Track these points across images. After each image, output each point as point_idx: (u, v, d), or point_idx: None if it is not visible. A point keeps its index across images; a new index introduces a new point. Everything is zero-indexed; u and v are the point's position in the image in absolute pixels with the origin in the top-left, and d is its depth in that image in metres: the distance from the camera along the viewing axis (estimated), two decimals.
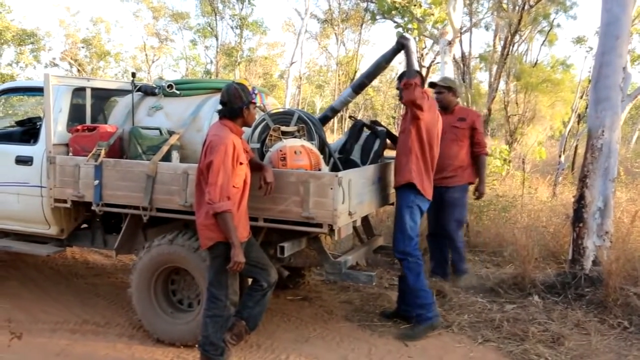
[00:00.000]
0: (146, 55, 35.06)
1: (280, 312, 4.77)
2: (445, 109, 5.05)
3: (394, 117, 36.02)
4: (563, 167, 11.23)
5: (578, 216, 4.93)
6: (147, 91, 4.68)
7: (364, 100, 39.21)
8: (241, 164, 3.40)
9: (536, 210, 7.37)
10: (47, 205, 4.44)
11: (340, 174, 3.67)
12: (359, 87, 4.80)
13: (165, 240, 4.06)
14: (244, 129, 3.75)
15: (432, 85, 5.14)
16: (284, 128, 4.21)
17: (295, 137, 4.22)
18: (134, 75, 4.50)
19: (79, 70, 29.45)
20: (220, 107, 3.52)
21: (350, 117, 5.28)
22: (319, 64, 37.54)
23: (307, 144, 4.09)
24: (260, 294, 3.65)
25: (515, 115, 12.01)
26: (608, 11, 4.86)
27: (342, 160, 4.55)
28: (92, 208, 4.25)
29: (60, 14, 52.21)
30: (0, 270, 5.85)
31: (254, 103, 3.49)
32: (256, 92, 3.48)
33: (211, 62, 32.15)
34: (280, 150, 3.91)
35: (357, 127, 4.74)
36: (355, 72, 27.13)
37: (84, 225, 4.87)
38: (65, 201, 4.34)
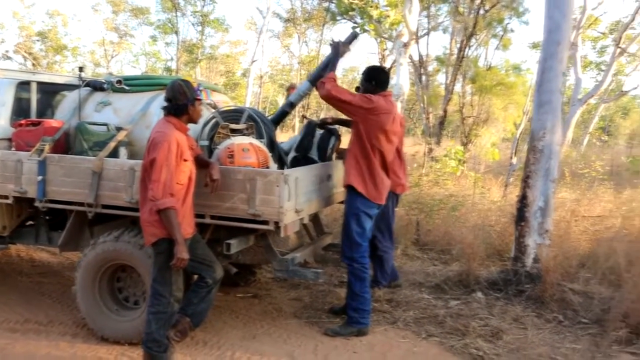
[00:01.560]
0: (105, 50, 34.34)
1: (229, 309, 4.78)
2: None
3: None
4: (515, 168, 11.53)
5: (520, 215, 5.10)
6: (96, 86, 4.62)
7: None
8: (185, 160, 3.40)
9: (486, 210, 7.57)
10: None
11: (286, 171, 3.71)
12: (316, 79, 4.80)
13: (111, 237, 4.03)
14: (193, 125, 3.77)
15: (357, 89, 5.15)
16: (233, 126, 4.22)
17: (244, 135, 4.24)
18: (81, 69, 4.43)
19: (33, 64, 28.63)
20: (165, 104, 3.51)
21: (303, 116, 5.30)
22: (281, 63, 37.49)
23: (256, 142, 4.11)
24: (205, 290, 3.66)
25: (470, 117, 12.33)
26: (550, 18, 5.05)
27: (299, 157, 4.60)
28: (35, 204, 4.17)
29: (14, 6, 50.59)
30: None
31: (199, 100, 3.50)
32: (201, 88, 3.49)
33: (172, 58, 31.72)
34: (228, 148, 3.92)
35: (311, 126, 4.80)
36: None
37: (29, 222, 4.78)
38: (6, 197, 4.24)
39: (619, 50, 18.42)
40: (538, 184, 5.04)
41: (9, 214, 4.50)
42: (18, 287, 5.22)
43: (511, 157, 11.56)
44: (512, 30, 14.82)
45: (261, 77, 29.34)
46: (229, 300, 4.99)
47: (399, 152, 5.03)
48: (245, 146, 3.96)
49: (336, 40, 4.57)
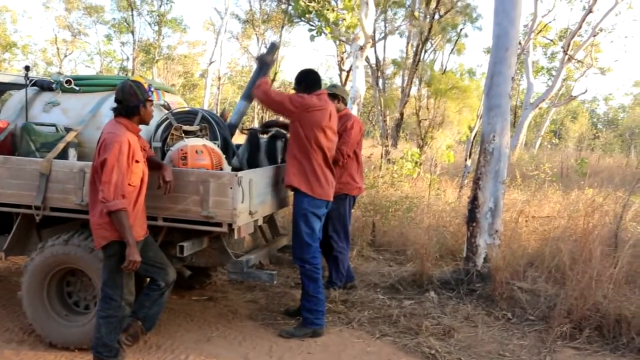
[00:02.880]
0: (57, 48, 33.42)
1: (184, 312, 4.73)
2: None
3: None
4: (469, 170, 11.81)
5: (472, 216, 5.23)
6: (44, 86, 4.50)
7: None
8: (137, 162, 3.36)
9: (440, 212, 7.72)
10: None
11: (240, 173, 3.70)
12: (250, 96, 4.73)
13: (60, 240, 3.92)
14: (145, 127, 3.72)
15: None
16: (186, 127, 4.19)
17: (197, 137, 4.21)
18: (27, 68, 4.30)
19: None
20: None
21: (242, 130, 5.19)
22: (240, 65, 37.29)
23: (210, 143, 4.09)
24: (158, 293, 3.62)
25: (426, 119, 12.54)
26: (498, 25, 5.21)
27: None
28: None
29: None
30: None
31: (150, 100, 3.46)
32: (152, 89, 3.44)
33: (128, 58, 31.16)
34: (181, 150, 3.89)
35: (254, 136, 4.78)
36: (276, 73, 27.25)
37: None
38: None
39: (567, 56, 19.14)
40: (488, 185, 5.18)
41: None
42: None
43: (465, 160, 11.85)
44: (466, 36, 15.27)
45: (220, 78, 29.11)
46: (184, 303, 4.94)
47: (357, 155, 5.08)
48: (199, 148, 3.93)
49: (258, 54, 4.65)
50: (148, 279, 3.71)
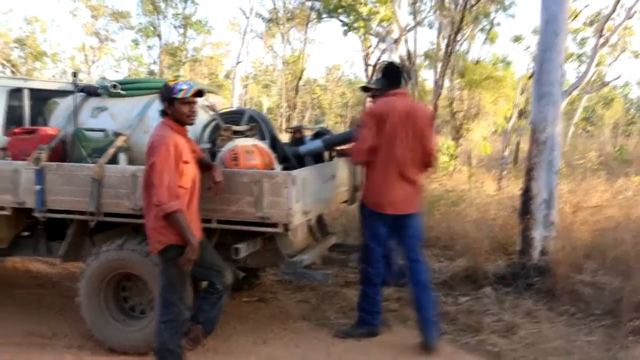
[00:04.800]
0: (85, 55, 33.91)
1: (236, 314, 4.69)
2: None
3: (341, 116, 36.31)
4: (507, 162, 11.58)
5: (525, 208, 5.07)
6: (90, 92, 4.50)
7: (311, 99, 39.31)
8: (186, 162, 3.30)
9: (484, 204, 7.55)
10: None
11: (294, 172, 3.63)
12: (331, 144, 4.62)
13: (114, 245, 3.92)
14: (193, 129, 3.66)
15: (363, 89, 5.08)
16: (235, 127, 4.13)
17: (246, 136, 4.15)
18: (75, 74, 4.31)
19: (12, 72, 28.18)
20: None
21: (287, 129, 5.10)
22: (265, 64, 37.33)
23: (259, 143, 4.03)
24: (216, 296, 3.56)
25: (460, 111, 12.32)
26: (547, 9, 5.03)
27: None
28: (34, 215, 4.04)
29: None
30: None
31: (177, 99, 3.34)
32: (183, 87, 3.35)
33: (154, 62, 31.42)
34: (232, 150, 3.83)
35: (298, 136, 4.72)
36: (302, 71, 27.19)
37: (26, 233, 4.64)
38: (3, 208, 4.11)
39: (601, 41, 18.59)
40: (542, 176, 5.02)
41: (6, 226, 4.37)
42: (17, 300, 5.08)
43: (503, 151, 11.62)
44: (498, 24, 14.84)
45: (247, 77, 29.18)
46: (235, 305, 4.90)
47: None
48: (249, 148, 3.87)
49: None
50: (205, 283, 3.66)
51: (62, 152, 4.23)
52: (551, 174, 5.02)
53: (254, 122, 4.27)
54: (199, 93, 3.44)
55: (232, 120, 4.30)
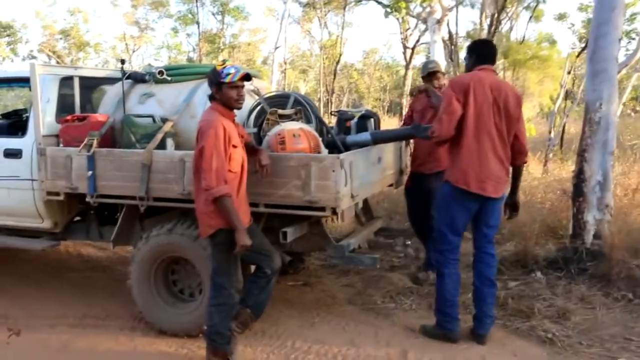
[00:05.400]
0: (126, 45, 34.49)
1: (282, 298, 4.71)
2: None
3: (379, 100, 35.97)
4: (553, 144, 11.24)
5: (578, 190, 4.91)
6: (137, 78, 4.55)
7: (349, 84, 39.06)
8: (235, 147, 3.31)
9: (530, 187, 7.36)
10: (39, 198, 4.32)
11: (341, 155, 3.60)
12: (379, 140, 4.40)
13: (164, 230, 3.98)
14: (239, 113, 3.66)
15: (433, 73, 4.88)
16: (280, 111, 4.11)
17: (292, 120, 4.13)
18: (123, 62, 4.36)
19: (57, 62, 28.91)
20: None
21: (332, 112, 5.02)
22: (302, 49, 37.20)
23: (306, 126, 4.01)
24: (265, 280, 3.57)
25: None
26: None
27: None
28: (87, 200, 4.14)
29: (36, 5, 51.15)
30: None
31: (225, 83, 3.32)
32: (231, 71, 3.33)
33: (193, 49, 31.73)
34: (279, 134, 3.82)
35: (342, 120, 4.67)
36: (340, 55, 26.97)
37: (78, 218, 4.77)
38: (57, 194, 4.22)
39: None
40: (595, 157, 4.84)
41: (60, 211, 4.49)
42: (71, 283, 5.24)
43: (549, 132, 11.27)
44: (544, 1, 14.27)
45: (285, 63, 29.16)
46: (281, 288, 4.92)
47: None
48: (296, 132, 3.85)
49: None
50: (254, 267, 3.68)
51: (111, 138, 4.30)
52: (606, 155, 4.84)
53: (299, 106, 4.25)
54: (247, 77, 3.43)
55: (278, 104, 4.28)
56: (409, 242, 4.97)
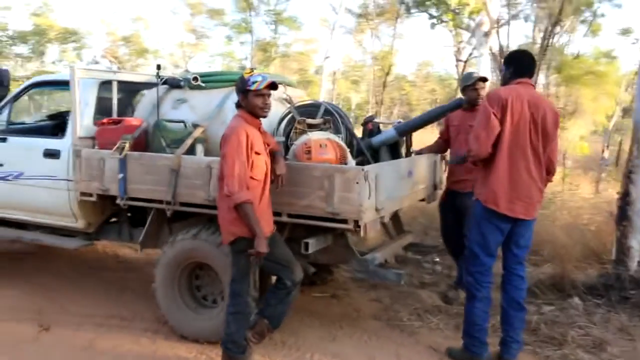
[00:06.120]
0: (183, 52, 35.48)
1: (307, 309, 4.65)
2: (474, 105, 4.55)
3: None
4: (607, 163, 10.79)
5: (622, 214, 4.66)
6: (173, 84, 4.62)
7: (400, 96, 38.78)
8: (258, 154, 3.29)
9: (577, 208, 7.05)
10: (74, 198, 4.44)
11: (366, 167, 3.52)
12: (405, 132, 4.43)
13: (189, 235, 4.00)
14: (269, 122, 3.65)
15: (485, 79, 4.68)
16: (309, 120, 4.08)
17: (321, 130, 4.09)
18: (158, 67, 4.43)
19: (119, 68, 29.99)
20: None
21: (362, 123, 4.89)
22: (354, 60, 37.26)
23: (334, 137, 3.95)
24: (284, 292, 3.53)
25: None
26: None
27: None
28: (117, 202, 4.22)
29: (101, 13, 53.29)
30: (33, 262, 5.93)
31: (251, 90, 3.32)
32: (257, 79, 3.33)
33: (246, 58, 32.27)
34: (305, 144, 3.78)
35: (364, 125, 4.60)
36: (390, 66, 26.83)
37: (113, 219, 4.87)
38: (91, 195, 4.32)
39: None
40: None
41: (94, 211, 4.59)
42: (103, 282, 5.35)
43: (603, 151, 10.83)
44: (602, 15, 13.73)
45: (334, 73, 29.26)
46: (307, 300, 4.87)
47: None
48: (323, 142, 3.80)
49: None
50: (275, 278, 3.64)
51: (145, 142, 4.37)
52: None
53: (329, 116, 4.20)
54: (273, 85, 3.42)
55: (308, 113, 4.25)
56: (438, 259, 4.83)
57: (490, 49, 9.71)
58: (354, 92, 40.23)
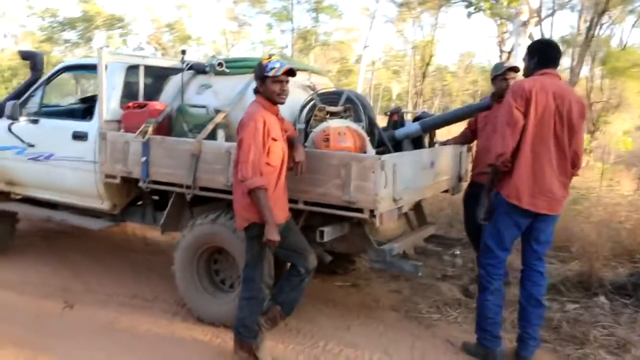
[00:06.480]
0: (226, 39, 35.81)
1: (325, 298, 4.65)
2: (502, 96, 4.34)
3: (465, 103, 34.93)
4: None
5: None
6: (199, 69, 4.65)
7: (441, 86, 38.17)
8: (275, 140, 3.28)
9: (614, 205, 6.78)
10: (100, 180, 4.54)
11: (383, 157, 3.46)
12: (430, 127, 4.35)
13: (208, 219, 4.03)
14: (292, 109, 3.62)
15: (516, 69, 4.52)
16: (329, 108, 4.04)
17: (341, 118, 4.05)
18: (183, 52, 4.47)
19: (163, 54, 30.50)
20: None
21: (386, 113, 4.81)
22: (395, 49, 36.85)
23: (354, 125, 3.91)
24: (298, 279, 3.53)
25: (599, 102, 11.19)
26: None
27: None
28: (140, 185, 4.29)
29: (146, 0, 54.19)
30: (63, 240, 6.11)
31: (268, 77, 3.31)
32: (275, 65, 3.31)
33: (286, 46, 32.31)
34: (324, 131, 3.75)
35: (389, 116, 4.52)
36: (431, 56, 26.40)
37: (140, 202, 4.96)
38: (114, 177, 4.41)
39: None
40: None
41: (118, 194, 4.69)
42: (129, 263, 5.48)
43: None
44: None
45: (374, 62, 29.03)
46: (326, 288, 4.87)
47: None
48: (342, 130, 3.76)
49: None
50: (289, 265, 3.64)
51: (168, 126, 4.42)
52: None
53: (350, 104, 4.15)
54: (291, 72, 3.40)
55: (330, 101, 4.21)
56: (458, 252, 4.72)
57: (531, 38, 9.41)
58: (395, 82, 39.83)
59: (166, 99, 4.59)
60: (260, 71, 3.37)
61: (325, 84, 4.91)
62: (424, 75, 26.15)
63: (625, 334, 3.83)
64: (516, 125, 3.35)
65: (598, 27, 11.18)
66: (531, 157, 3.38)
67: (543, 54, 3.50)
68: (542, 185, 3.38)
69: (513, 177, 3.42)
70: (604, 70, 11.15)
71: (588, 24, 11.36)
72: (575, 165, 3.52)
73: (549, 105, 3.34)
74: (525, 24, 8.06)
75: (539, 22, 10.42)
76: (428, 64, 26.40)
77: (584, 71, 11.73)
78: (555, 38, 13.51)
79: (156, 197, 4.78)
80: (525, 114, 3.34)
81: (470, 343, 3.77)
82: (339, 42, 33.92)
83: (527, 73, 3.57)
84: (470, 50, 41.53)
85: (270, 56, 3.49)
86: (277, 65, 3.34)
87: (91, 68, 4.71)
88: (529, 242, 3.58)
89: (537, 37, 10.09)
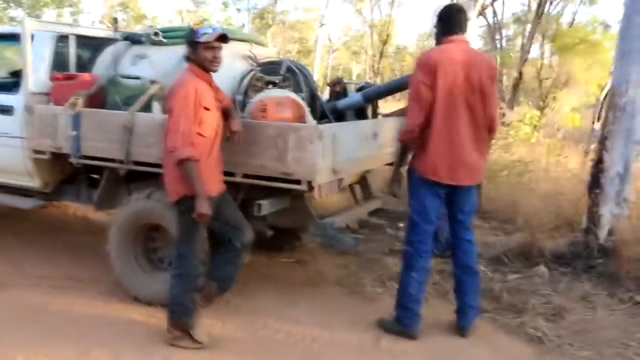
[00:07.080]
0: (182, 18, 34.91)
1: (270, 274, 4.57)
2: None
3: None
4: (597, 134, 10.58)
5: (595, 181, 4.53)
6: (134, 39, 4.44)
7: (401, 67, 38.27)
8: (207, 109, 3.14)
9: (560, 178, 6.90)
10: (28, 156, 4.30)
11: (321, 126, 3.37)
12: (371, 97, 4.30)
13: (142, 195, 3.87)
14: (229, 79, 3.48)
15: None
16: (268, 78, 3.92)
17: (281, 87, 3.93)
18: (115, 20, 4.25)
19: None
20: None
21: (328, 83, 4.74)
22: (354, 29, 36.69)
23: (293, 95, 3.79)
24: (233, 254, 3.41)
25: (548, 78, 11.37)
26: None
27: None
28: (70, 160, 4.08)
29: None
30: None
31: (200, 43, 3.14)
32: (207, 31, 3.15)
33: (243, 25, 31.76)
34: (261, 101, 3.63)
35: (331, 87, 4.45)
36: (388, 36, 26.40)
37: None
38: (43, 153, 4.18)
39: None
40: (617, 146, 4.43)
41: (50, 171, 4.46)
42: (66, 245, 5.25)
43: (593, 122, 10.60)
44: None
45: (330, 40, 28.82)
46: (271, 264, 4.78)
47: None
48: (280, 100, 3.65)
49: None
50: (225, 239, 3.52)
51: (102, 99, 4.21)
52: (629, 144, 4.42)
53: (291, 74, 4.03)
54: (224, 38, 3.25)
55: (271, 72, 4.08)
56: (402, 225, 4.70)
57: (485, 16, 9.45)
58: (355, 63, 39.73)
59: (99, 70, 4.36)
60: (191, 37, 3.21)
61: (267, 55, 4.77)
62: (381, 55, 26.16)
63: (562, 302, 3.89)
64: (422, 100, 3.28)
65: (548, 4, 11.31)
66: (444, 130, 3.30)
67: (448, 20, 3.41)
68: (460, 157, 3.33)
69: (428, 153, 3.36)
70: (553, 47, 11.31)
71: (539, 1, 11.50)
72: (491, 129, 3.47)
73: (457, 74, 3.26)
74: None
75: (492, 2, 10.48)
76: (385, 43, 26.41)
77: (535, 48, 11.91)
78: (508, 15, 13.67)
79: (96, 176, 4.56)
80: (433, 87, 3.26)
81: (387, 319, 3.67)
82: (298, 21, 33.55)
83: (437, 41, 3.49)
84: (428, 30, 41.58)
85: (202, 21, 3.33)
86: (209, 30, 3.18)
87: (14, 38, 4.43)
88: (455, 215, 3.56)
89: (489, 14, 10.16)
